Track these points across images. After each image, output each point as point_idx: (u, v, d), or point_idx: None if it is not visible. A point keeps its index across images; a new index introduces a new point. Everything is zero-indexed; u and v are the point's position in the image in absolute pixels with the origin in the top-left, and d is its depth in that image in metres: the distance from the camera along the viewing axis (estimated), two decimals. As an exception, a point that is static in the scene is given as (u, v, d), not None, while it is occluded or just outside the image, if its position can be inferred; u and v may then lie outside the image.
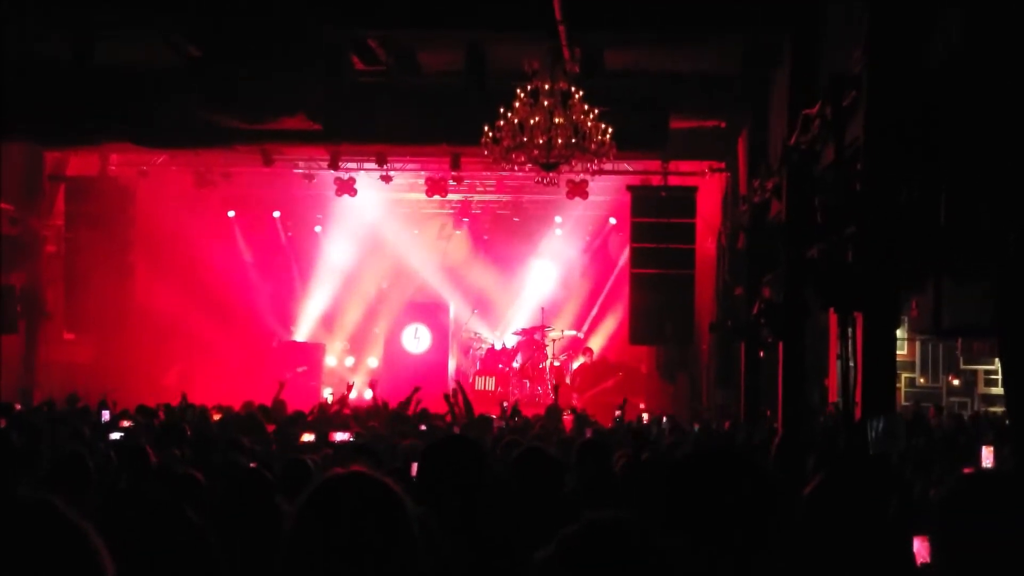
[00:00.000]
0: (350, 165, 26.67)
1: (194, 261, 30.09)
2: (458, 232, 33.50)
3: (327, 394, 26.87)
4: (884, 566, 4.77)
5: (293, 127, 21.90)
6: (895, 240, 11.16)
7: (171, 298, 28.81)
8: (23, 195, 25.64)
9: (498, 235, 33.69)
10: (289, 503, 3.32)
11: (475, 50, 20.57)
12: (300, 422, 16.29)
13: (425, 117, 21.79)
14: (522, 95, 17.75)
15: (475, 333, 33.76)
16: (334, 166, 25.78)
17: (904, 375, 28.43)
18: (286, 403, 19.01)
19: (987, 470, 9.58)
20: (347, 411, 18.86)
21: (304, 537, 3.11)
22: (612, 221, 31.24)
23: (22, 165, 25.61)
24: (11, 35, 18.95)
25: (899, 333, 20.21)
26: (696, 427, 18.78)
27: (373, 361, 33.48)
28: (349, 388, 21.35)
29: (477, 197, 31.60)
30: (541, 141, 17.70)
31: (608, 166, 20.56)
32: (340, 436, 13.52)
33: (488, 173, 27.24)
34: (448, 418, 16.87)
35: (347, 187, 26.87)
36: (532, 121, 17.66)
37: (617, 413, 20.93)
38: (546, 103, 17.75)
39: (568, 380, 31.69)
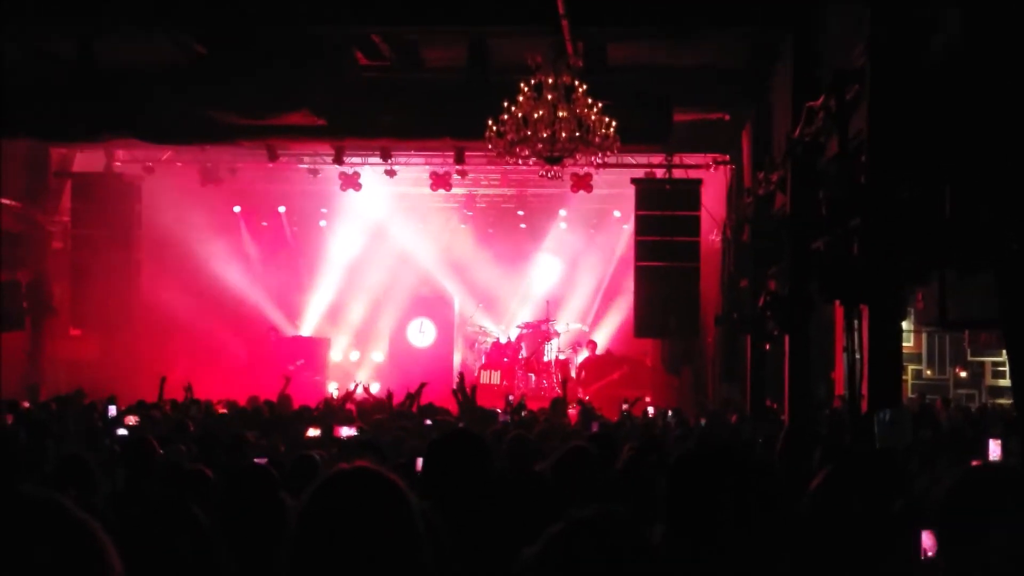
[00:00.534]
0: (354, 160, 26.65)
1: (199, 256, 30.11)
2: (463, 226, 33.47)
3: (332, 389, 26.91)
4: (891, 561, 4.77)
5: (297, 123, 21.92)
6: (900, 232, 11.14)
7: (177, 293, 28.86)
8: (29, 191, 25.72)
9: (502, 229, 33.70)
10: (295, 499, 3.32)
11: (478, 45, 20.56)
12: (305, 417, 16.30)
13: (429, 112, 21.79)
14: (526, 89, 17.73)
15: (480, 327, 33.80)
16: (339, 161, 25.74)
17: (911, 367, 28.48)
18: (292, 398, 19.02)
19: (993, 463, 9.56)
20: (351, 406, 18.88)
21: (309, 532, 3.11)
22: (616, 214, 31.22)
23: (27, 162, 25.67)
24: (16, 32, 18.97)
25: (905, 325, 20.23)
26: (703, 421, 18.75)
27: (378, 355, 33.51)
28: (356, 387, 21.36)
29: (481, 191, 31.58)
30: (545, 135, 17.67)
31: (612, 159, 20.53)
32: (346, 431, 13.50)
33: (492, 167, 27.21)
34: (456, 412, 16.83)
35: (352, 182, 26.89)
36: (536, 115, 17.64)
37: (624, 407, 20.96)
38: (550, 97, 17.73)
39: (573, 373, 31.73)
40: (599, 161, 19.15)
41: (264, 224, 32.79)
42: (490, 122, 17.91)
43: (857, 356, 12.15)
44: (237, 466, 7.97)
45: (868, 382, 11.91)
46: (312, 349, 31.96)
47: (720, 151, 25.61)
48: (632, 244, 26.52)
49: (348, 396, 19.76)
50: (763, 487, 3.22)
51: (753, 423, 17.17)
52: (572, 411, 19.30)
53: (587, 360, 32.26)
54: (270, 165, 26.94)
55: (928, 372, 29.46)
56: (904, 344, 16.52)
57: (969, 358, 28.90)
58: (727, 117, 24.09)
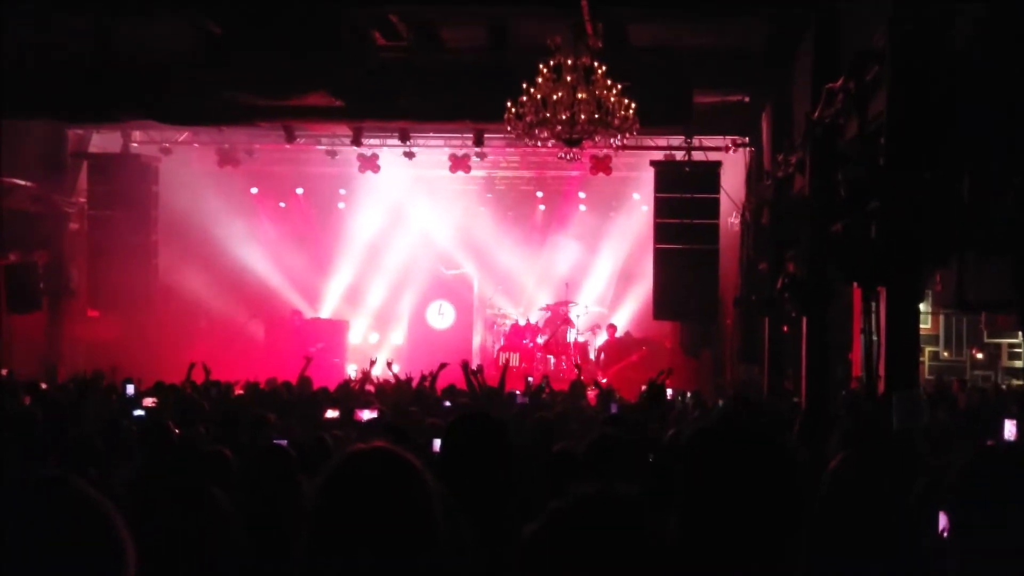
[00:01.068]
0: (373, 141, 26.65)
1: (217, 238, 30.14)
2: (481, 208, 33.42)
3: (351, 371, 26.91)
4: (908, 542, 4.76)
5: (315, 104, 21.92)
6: (918, 215, 11.12)
7: (194, 275, 28.94)
8: (46, 172, 25.68)
9: (521, 211, 33.65)
10: (311, 480, 3.32)
11: (497, 26, 20.53)
12: (323, 399, 16.31)
13: (448, 93, 21.76)
14: (545, 71, 17.67)
15: (499, 309, 33.78)
16: (357, 143, 25.72)
17: (928, 349, 28.40)
18: (311, 380, 19.03)
19: (1006, 443, 9.54)
20: (370, 387, 18.87)
21: (326, 512, 3.11)
22: (635, 196, 31.14)
23: (45, 142, 25.69)
24: (34, 13, 18.98)
25: (923, 307, 20.18)
26: (720, 402, 18.74)
27: (397, 337, 33.52)
28: (372, 364, 21.29)
29: (500, 173, 31.59)
30: (564, 117, 17.62)
31: (631, 141, 20.48)
32: (367, 415, 13.49)
33: (511, 149, 27.22)
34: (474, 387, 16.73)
35: (370, 163, 26.89)
36: (555, 97, 17.57)
37: (643, 388, 20.92)
38: (569, 78, 17.67)
39: (592, 356, 31.72)
40: (618, 143, 19.10)
41: (282, 205, 32.74)
42: (509, 104, 17.87)
43: (875, 338, 12.15)
44: (257, 447, 7.98)
45: (885, 363, 11.92)
46: (331, 331, 31.90)
47: (739, 133, 25.56)
48: (651, 226, 26.47)
49: (366, 377, 19.72)
50: (788, 473, 3.12)
51: (771, 404, 17.16)
52: (591, 393, 19.28)
53: (606, 343, 32.22)
54: (288, 146, 26.97)
55: (945, 354, 29.36)
56: (921, 326, 16.53)
57: (986, 340, 28.80)
58: (747, 99, 24.01)
